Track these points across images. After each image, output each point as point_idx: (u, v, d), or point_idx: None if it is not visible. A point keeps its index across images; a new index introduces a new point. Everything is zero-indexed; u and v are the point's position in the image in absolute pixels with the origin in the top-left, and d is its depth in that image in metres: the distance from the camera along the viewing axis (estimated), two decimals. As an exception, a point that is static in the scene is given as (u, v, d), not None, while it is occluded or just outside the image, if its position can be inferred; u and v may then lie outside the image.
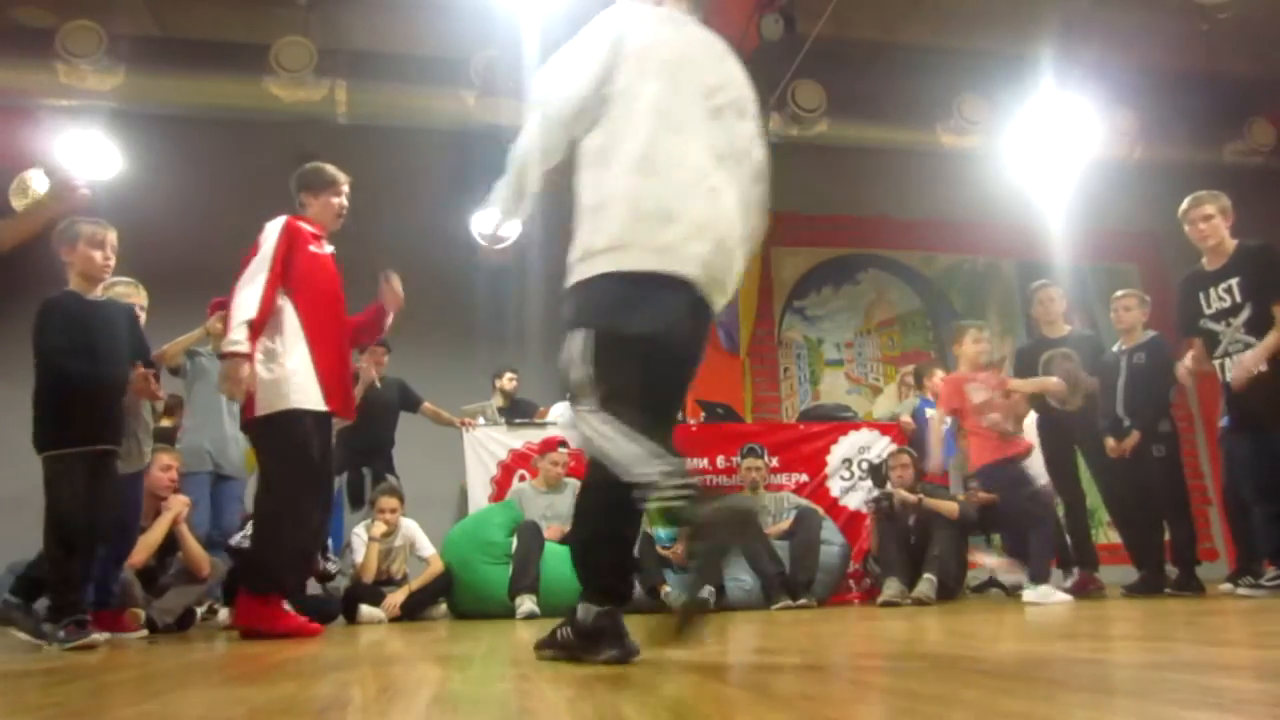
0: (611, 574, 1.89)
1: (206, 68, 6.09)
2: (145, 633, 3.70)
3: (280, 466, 3.22)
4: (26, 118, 6.07)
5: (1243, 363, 3.90)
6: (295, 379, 3.19)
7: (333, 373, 3.32)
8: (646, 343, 1.78)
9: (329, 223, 3.55)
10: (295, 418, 3.17)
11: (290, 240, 3.30)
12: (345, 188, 3.57)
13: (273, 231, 3.29)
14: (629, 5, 2.08)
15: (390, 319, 3.72)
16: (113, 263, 3.43)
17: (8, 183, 6.03)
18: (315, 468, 3.21)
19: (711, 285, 1.87)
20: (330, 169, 3.58)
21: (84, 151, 6.38)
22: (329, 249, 3.54)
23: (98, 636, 2.99)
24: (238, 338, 3.10)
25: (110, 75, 5.82)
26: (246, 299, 3.14)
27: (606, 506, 1.82)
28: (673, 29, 2.05)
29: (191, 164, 7.12)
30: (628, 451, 1.68)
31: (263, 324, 3.17)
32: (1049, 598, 3.99)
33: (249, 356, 3.10)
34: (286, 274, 3.27)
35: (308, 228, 3.44)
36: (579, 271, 1.86)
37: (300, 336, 3.25)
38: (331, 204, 3.53)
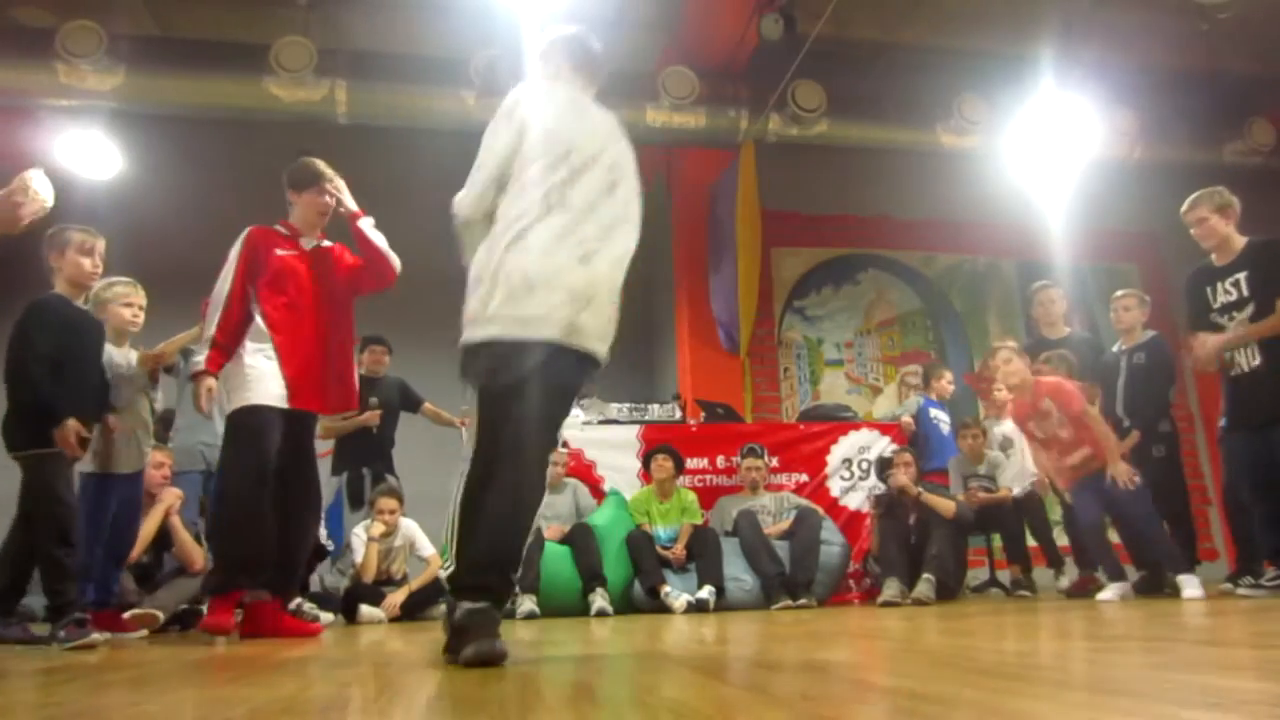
0: (486, 571, 1.98)
1: (206, 68, 6.08)
2: (145, 632, 3.71)
3: (229, 463, 3.24)
4: (26, 118, 6.07)
5: (1221, 340, 3.93)
6: (250, 376, 3.19)
7: (306, 369, 3.27)
8: (514, 394, 2.06)
9: (312, 221, 3.48)
10: (248, 414, 3.17)
11: (252, 251, 3.32)
12: (330, 184, 3.48)
13: (234, 248, 3.34)
14: (532, 89, 2.35)
15: (364, 220, 3.50)
16: (100, 271, 3.49)
17: (7, 183, 6.02)
18: (264, 465, 3.16)
19: (585, 338, 2.13)
20: (314, 165, 3.49)
21: (84, 151, 6.38)
22: (310, 245, 3.46)
23: (97, 636, 3.00)
24: (198, 358, 3.24)
25: (110, 75, 5.81)
26: (210, 318, 3.25)
27: (485, 511, 2.01)
28: (573, 116, 2.32)
29: (191, 164, 7.12)
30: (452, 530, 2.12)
31: (227, 341, 3.21)
32: (1189, 592, 3.93)
33: (207, 373, 3.17)
34: (252, 283, 3.29)
35: (281, 230, 3.43)
36: (466, 334, 2.13)
37: (264, 337, 3.24)
38: (315, 202, 3.45)
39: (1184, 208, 4.25)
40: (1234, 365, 4.05)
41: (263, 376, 3.19)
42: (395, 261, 3.54)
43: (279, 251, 3.35)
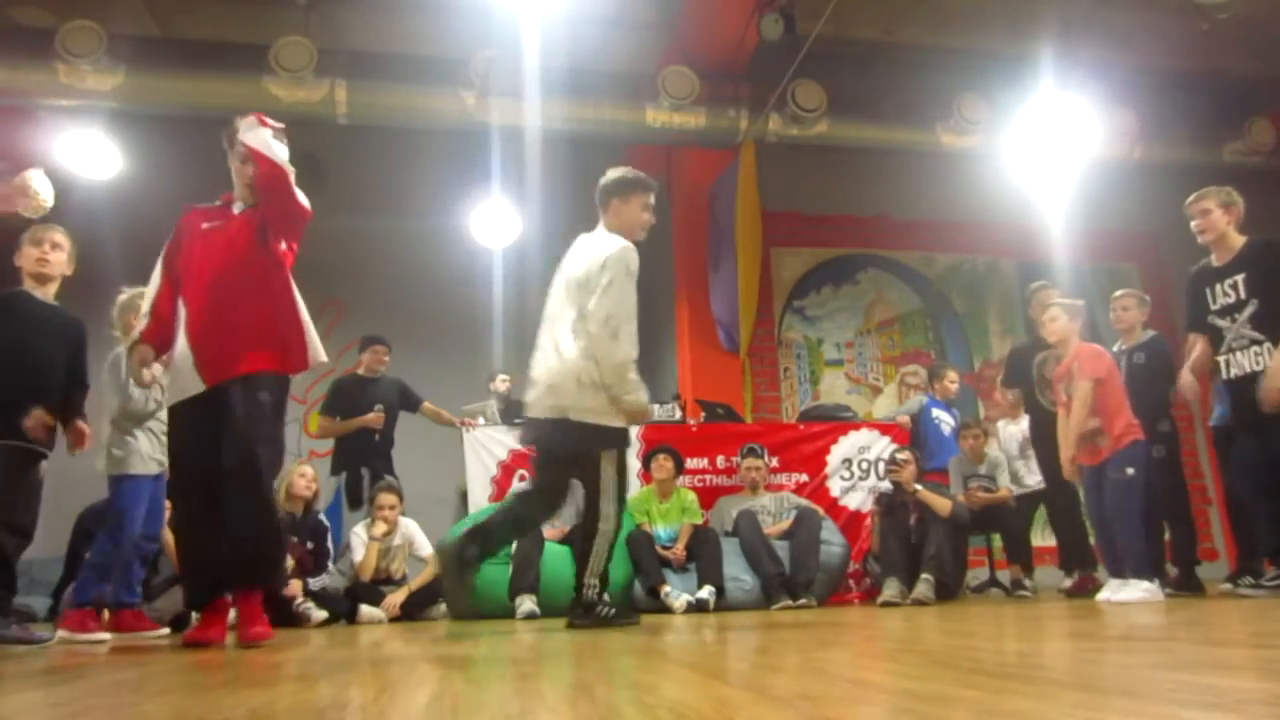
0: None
1: (206, 68, 6.08)
2: (167, 631, 3.74)
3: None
4: (26, 118, 6.07)
5: (1271, 384, 3.78)
6: (170, 376, 2.97)
7: (220, 339, 2.89)
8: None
9: (240, 191, 3.12)
10: (169, 418, 2.98)
11: (178, 238, 3.10)
12: (242, 146, 2.99)
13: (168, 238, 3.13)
14: None
15: (243, 124, 2.99)
16: (52, 258, 3.43)
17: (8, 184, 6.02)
18: (182, 471, 2.94)
19: (553, 409, 3.25)
20: (230, 126, 3.09)
21: (84, 151, 6.38)
22: (239, 209, 3.08)
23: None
24: (133, 335, 3.12)
25: (110, 75, 5.81)
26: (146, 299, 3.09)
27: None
28: (572, 252, 3.50)
29: (191, 164, 7.08)
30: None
31: (162, 314, 3.00)
32: (1120, 594, 3.92)
33: (140, 342, 3.01)
34: (176, 272, 3.04)
35: (218, 203, 3.16)
36: None
37: (182, 326, 2.93)
38: (236, 170, 3.12)
39: (1190, 198, 4.23)
40: (1233, 366, 4.04)
41: (174, 374, 2.92)
42: (275, 154, 2.93)
43: (204, 225, 3.04)
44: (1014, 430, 5.72)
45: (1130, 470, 4.07)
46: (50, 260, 3.42)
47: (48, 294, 3.45)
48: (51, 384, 3.37)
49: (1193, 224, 4.22)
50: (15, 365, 3.24)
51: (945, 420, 5.94)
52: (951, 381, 6.14)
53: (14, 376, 3.23)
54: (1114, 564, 4.32)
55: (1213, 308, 4.14)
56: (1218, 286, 4.14)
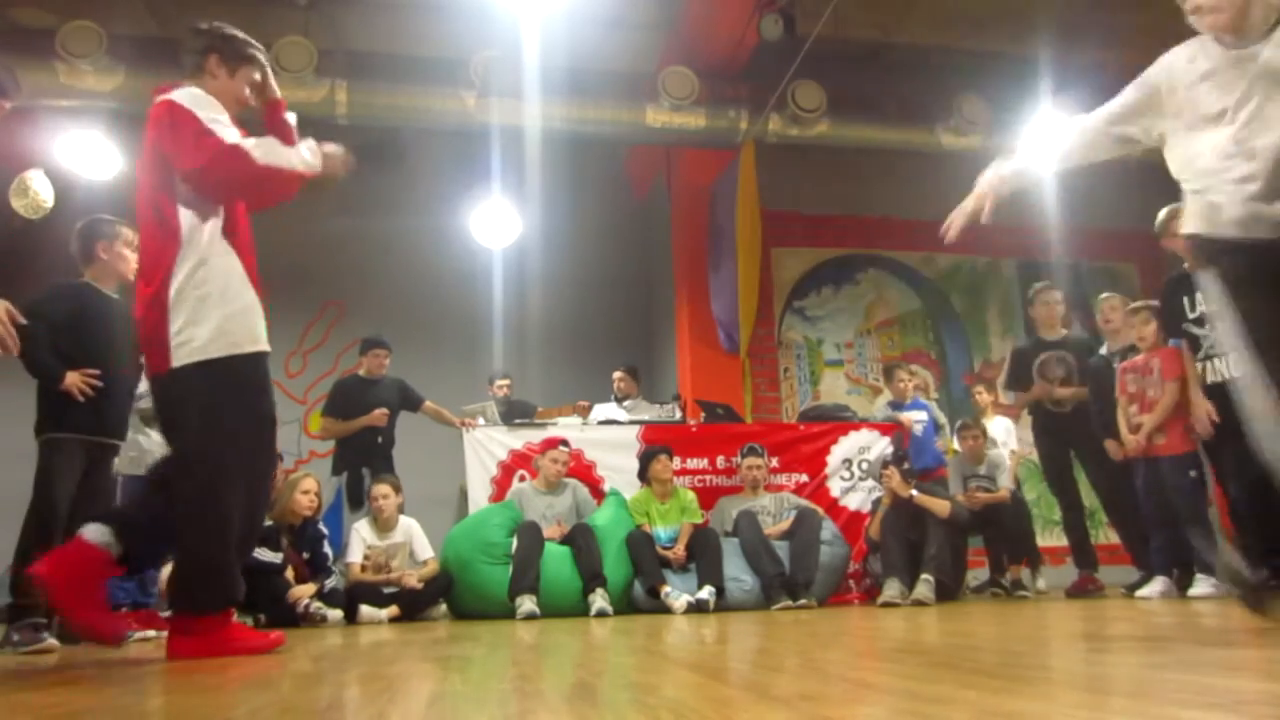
0: None
1: (206, 68, 6.08)
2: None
3: None
4: (26, 118, 6.07)
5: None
6: (254, 319, 2.67)
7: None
8: None
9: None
10: (253, 367, 2.60)
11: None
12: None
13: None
14: None
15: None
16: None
17: (8, 183, 6.03)
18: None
19: None
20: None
21: (84, 151, 6.38)
22: None
23: (52, 642, 2.98)
24: None
25: (110, 75, 5.81)
26: None
27: None
28: None
29: (191, 164, 7.11)
30: None
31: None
32: (1198, 589, 4.11)
33: None
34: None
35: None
36: None
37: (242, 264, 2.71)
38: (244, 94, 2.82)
39: (1158, 228, 4.12)
40: (1211, 373, 3.92)
41: (256, 316, 2.63)
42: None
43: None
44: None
45: (1193, 473, 4.26)
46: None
47: (111, 290, 3.48)
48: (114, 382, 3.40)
49: (1172, 242, 4.07)
50: (100, 360, 3.26)
51: (919, 420, 5.83)
52: (901, 380, 5.98)
53: (70, 367, 3.24)
54: (1166, 560, 4.40)
55: (1189, 316, 4.05)
56: (1197, 295, 4.06)
